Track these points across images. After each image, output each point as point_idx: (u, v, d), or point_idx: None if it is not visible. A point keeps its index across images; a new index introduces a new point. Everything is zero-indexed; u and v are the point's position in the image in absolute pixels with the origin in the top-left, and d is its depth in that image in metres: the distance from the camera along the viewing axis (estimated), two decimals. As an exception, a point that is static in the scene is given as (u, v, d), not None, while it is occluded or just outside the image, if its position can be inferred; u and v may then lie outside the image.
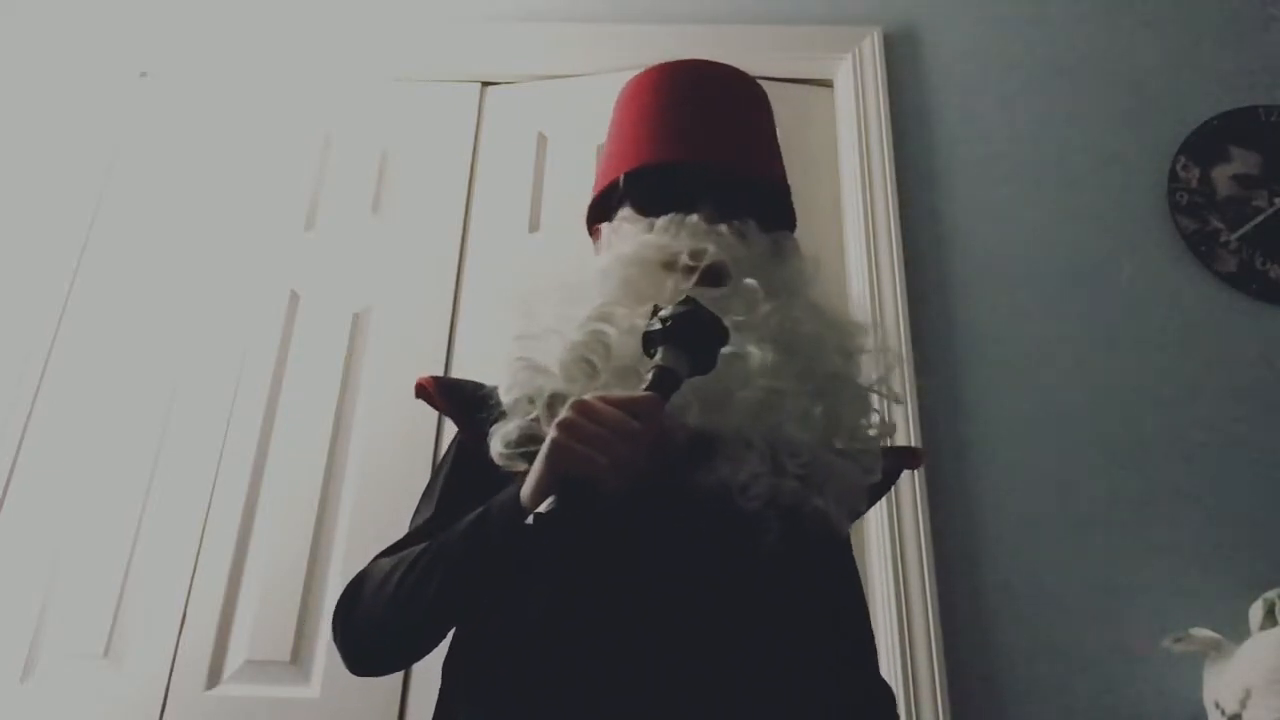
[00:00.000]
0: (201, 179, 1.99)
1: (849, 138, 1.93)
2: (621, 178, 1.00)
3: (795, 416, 0.85)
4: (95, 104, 2.05)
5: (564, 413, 0.76)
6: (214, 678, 1.57)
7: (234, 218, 1.94)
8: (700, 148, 0.98)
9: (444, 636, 0.89)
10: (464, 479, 0.95)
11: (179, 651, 1.58)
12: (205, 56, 2.11)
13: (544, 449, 0.76)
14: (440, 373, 1.76)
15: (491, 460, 0.87)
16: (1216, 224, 1.89)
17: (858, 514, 0.94)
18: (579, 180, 1.91)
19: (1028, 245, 1.87)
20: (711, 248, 0.90)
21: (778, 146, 1.08)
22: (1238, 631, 1.47)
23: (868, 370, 0.94)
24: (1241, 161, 1.94)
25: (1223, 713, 1.39)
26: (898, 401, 0.98)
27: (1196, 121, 1.97)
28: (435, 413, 1.74)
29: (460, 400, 0.96)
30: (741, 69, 1.09)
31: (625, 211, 1.00)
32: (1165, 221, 1.90)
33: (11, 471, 1.73)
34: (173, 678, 1.57)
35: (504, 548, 0.80)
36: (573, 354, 0.86)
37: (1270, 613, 1.42)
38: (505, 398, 0.88)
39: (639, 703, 0.78)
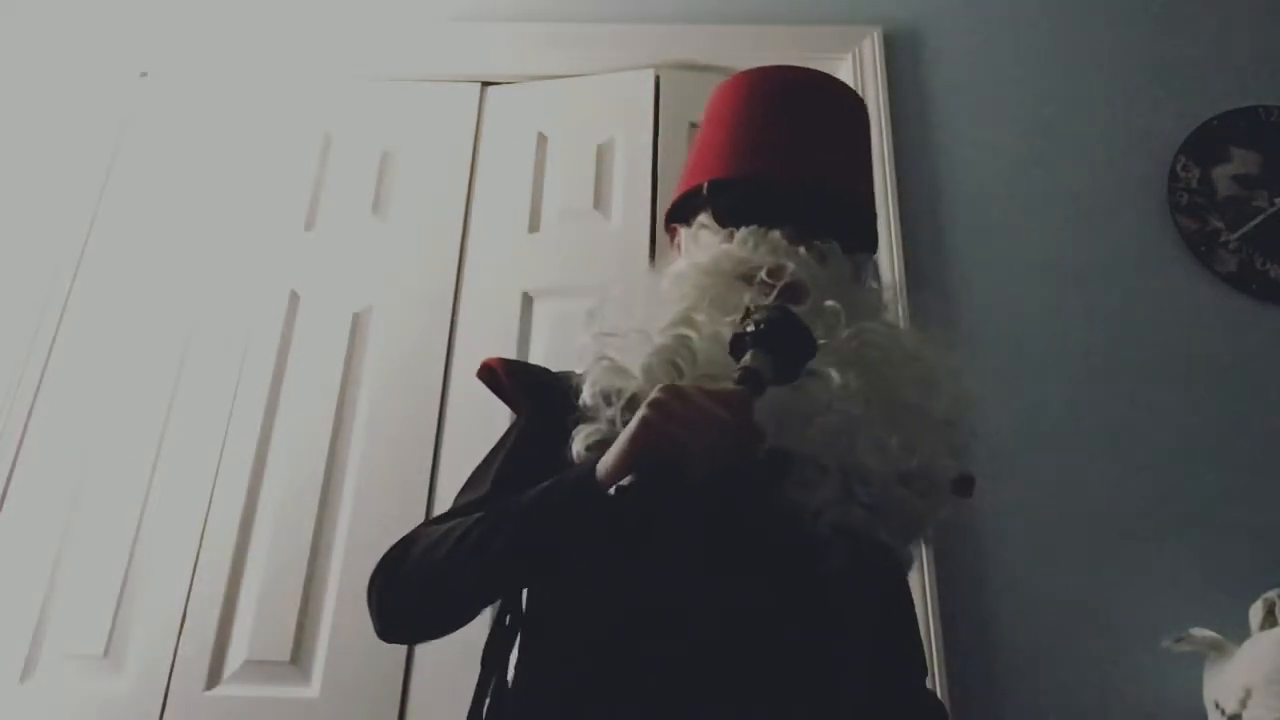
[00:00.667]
0: (202, 179, 1.98)
1: (849, 138, 1.93)
2: (705, 185, 0.98)
3: (871, 444, 0.84)
4: (95, 104, 2.05)
5: (656, 393, 0.76)
6: (214, 678, 1.57)
7: (234, 218, 1.94)
8: (788, 163, 0.96)
9: (485, 606, 0.88)
10: (523, 462, 0.93)
11: (179, 651, 1.58)
12: (205, 56, 2.11)
13: (631, 426, 0.76)
14: (440, 373, 1.77)
15: (552, 447, 0.87)
16: (1216, 224, 1.89)
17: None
18: (579, 180, 1.92)
19: (1028, 245, 1.87)
20: (791, 265, 0.89)
21: (869, 162, 1.06)
22: (1238, 631, 1.47)
23: (945, 402, 0.90)
24: (1241, 161, 1.94)
25: (1223, 713, 1.39)
26: (974, 437, 0.95)
27: (1196, 121, 1.97)
28: (435, 412, 1.74)
29: (527, 385, 0.97)
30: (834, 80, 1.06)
31: (704, 218, 0.98)
32: (1165, 221, 1.90)
33: (11, 471, 1.73)
34: (173, 678, 1.57)
35: (574, 517, 0.79)
36: (658, 357, 0.86)
37: (1270, 613, 1.42)
38: (587, 395, 0.87)
39: (682, 696, 0.79)
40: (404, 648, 1.56)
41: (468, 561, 0.82)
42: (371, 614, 0.89)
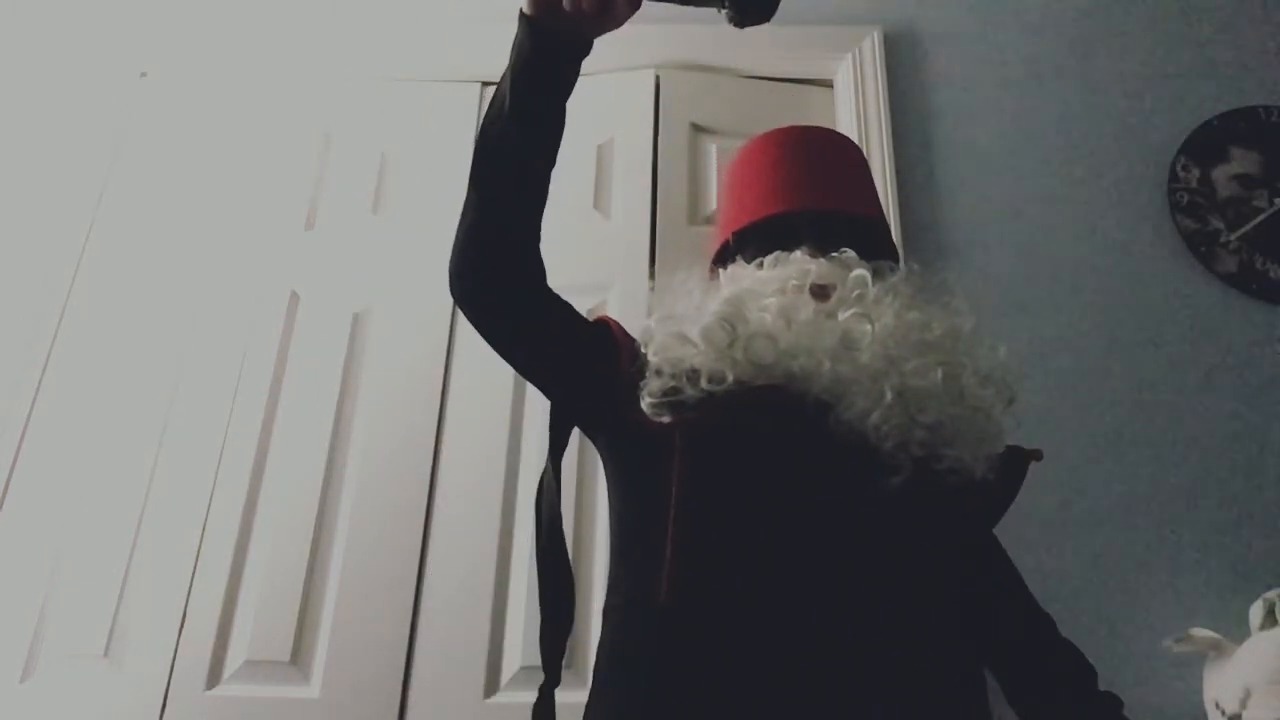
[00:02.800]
0: (201, 179, 1.99)
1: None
2: (731, 237, 1.13)
3: (917, 369, 0.92)
4: (95, 104, 2.05)
5: None
6: (214, 678, 1.57)
7: (234, 218, 1.94)
8: (798, 198, 1.09)
9: (532, 195, 0.99)
10: (595, 337, 1.04)
11: (179, 651, 1.58)
12: (205, 56, 2.11)
13: None
14: (440, 373, 1.77)
15: (616, 383, 0.97)
16: (1216, 224, 1.89)
17: (997, 514, 1.04)
18: (578, 180, 1.92)
19: (1027, 245, 1.87)
20: (813, 269, 1.01)
21: (872, 189, 1.18)
22: (1238, 631, 1.47)
23: (979, 363, 0.99)
24: (1241, 161, 1.94)
25: (1223, 713, 1.39)
26: (1013, 396, 1.02)
27: (1196, 121, 1.97)
28: (435, 412, 1.74)
29: (629, 338, 1.06)
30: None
31: (738, 263, 1.11)
32: (1165, 221, 1.90)
33: (11, 471, 1.73)
34: (173, 678, 1.57)
35: (518, 52, 0.94)
36: (714, 320, 0.96)
37: (1270, 613, 1.42)
38: (653, 359, 0.97)
39: (784, 623, 0.83)
40: (404, 647, 1.57)
41: (484, 150, 0.97)
42: (456, 292, 1.00)
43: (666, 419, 0.92)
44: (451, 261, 1.00)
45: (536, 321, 1.01)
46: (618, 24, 0.94)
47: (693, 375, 0.92)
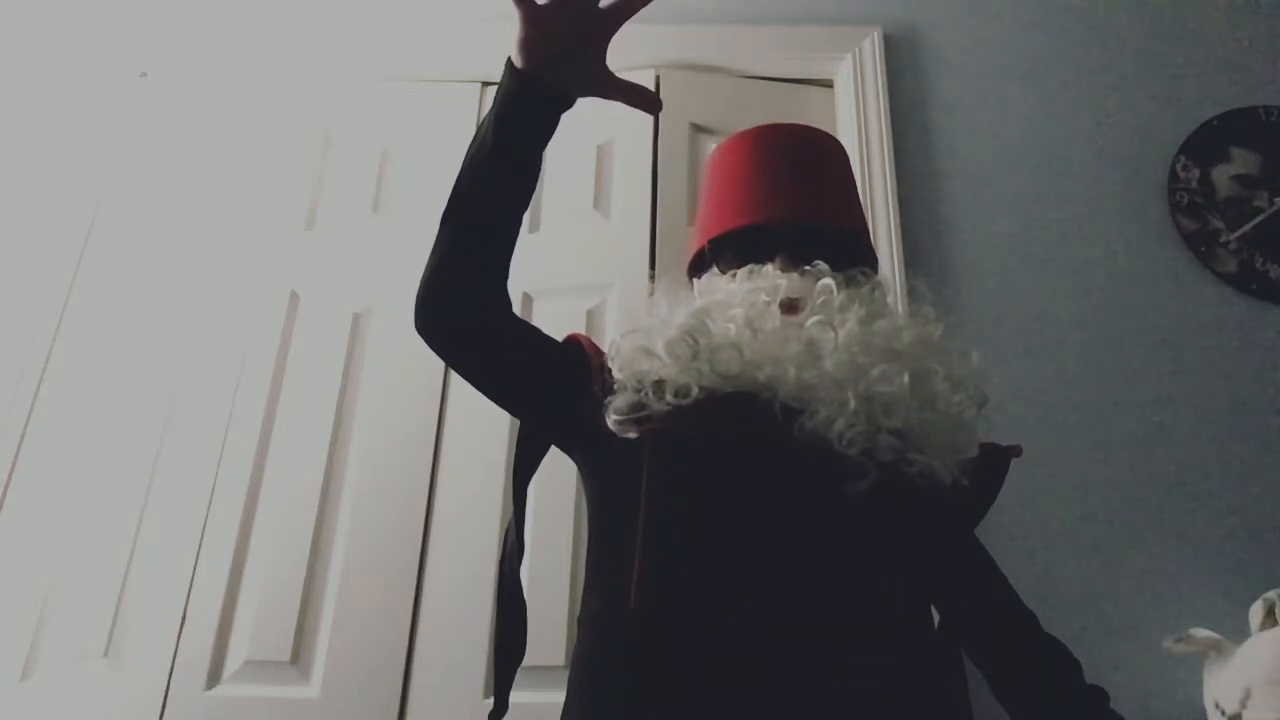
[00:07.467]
0: (201, 179, 1.99)
1: (849, 138, 1.93)
2: (708, 245, 1.13)
3: (883, 376, 0.92)
4: (95, 104, 2.05)
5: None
6: (214, 678, 1.57)
7: (234, 218, 1.95)
8: (774, 209, 1.08)
9: (503, 235, 0.98)
10: (562, 358, 1.03)
11: (179, 651, 1.58)
12: (205, 56, 2.11)
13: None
14: (439, 373, 1.77)
15: (584, 402, 0.97)
16: (1216, 224, 1.89)
17: (978, 514, 1.05)
18: (578, 180, 1.92)
19: (1027, 245, 1.87)
20: (784, 283, 1.01)
21: (853, 193, 1.17)
22: (1238, 631, 1.47)
23: (950, 369, 0.99)
24: (1241, 161, 1.94)
25: (1223, 713, 1.39)
26: (985, 400, 1.02)
27: (1196, 121, 1.97)
28: (435, 412, 1.74)
29: (600, 361, 1.06)
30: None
31: (713, 271, 1.12)
32: (1165, 221, 1.90)
33: (11, 471, 1.73)
34: (173, 678, 1.57)
35: (505, 96, 0.94)
36: (677, 333, 0.96)
37: (1270, 613, 1.42)
38: (618, 374, 0.98)
39: (752, 628, 0.83)
40: (404, 647, 1.57)
41: (463, 205, 0.96)
42: (421, 324, 0.99)
43: (633, 434, 0.92)
44: (417, 295, 1.00)
45: (501, 354, 1.01)
46: (603, 86, 0.94)
47: (658, 388, 0.93)
